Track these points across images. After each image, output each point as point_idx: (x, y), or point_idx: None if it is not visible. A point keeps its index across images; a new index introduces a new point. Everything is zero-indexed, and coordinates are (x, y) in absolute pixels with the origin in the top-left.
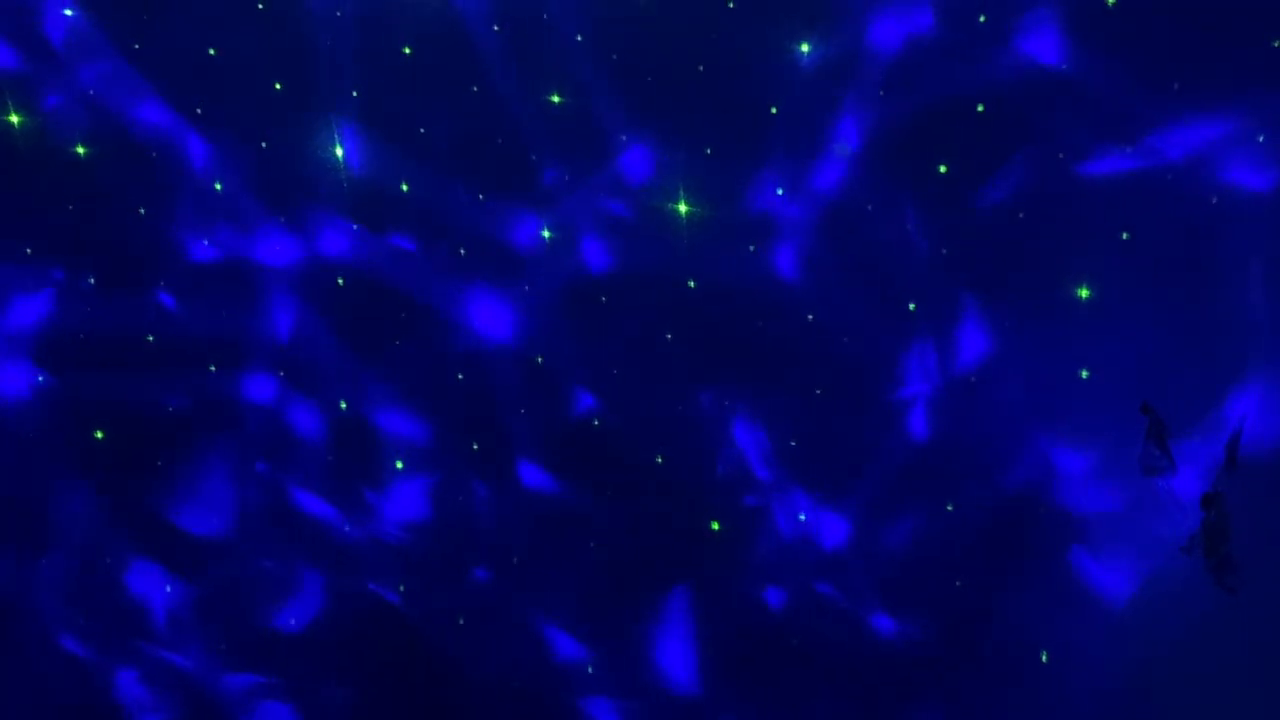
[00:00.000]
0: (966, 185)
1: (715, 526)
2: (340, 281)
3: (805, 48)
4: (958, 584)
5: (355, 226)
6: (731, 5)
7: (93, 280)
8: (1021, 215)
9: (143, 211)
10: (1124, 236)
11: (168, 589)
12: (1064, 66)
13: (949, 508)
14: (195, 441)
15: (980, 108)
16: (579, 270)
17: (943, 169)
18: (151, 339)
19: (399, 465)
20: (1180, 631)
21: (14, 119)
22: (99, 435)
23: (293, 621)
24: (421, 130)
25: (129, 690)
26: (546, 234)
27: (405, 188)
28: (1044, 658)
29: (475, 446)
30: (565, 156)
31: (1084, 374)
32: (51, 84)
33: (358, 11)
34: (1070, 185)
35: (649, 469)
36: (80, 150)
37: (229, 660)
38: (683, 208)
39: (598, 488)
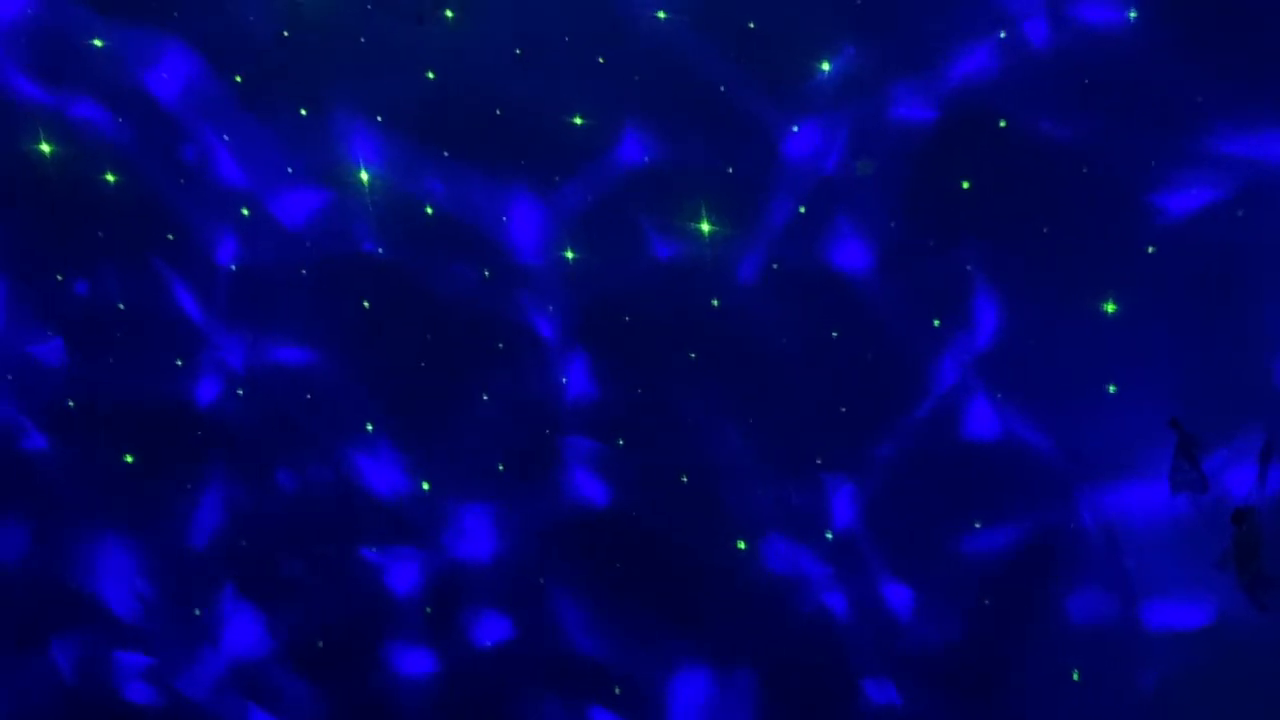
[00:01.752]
0: (989, 201)
1: (741, 545)
2: (365, 305)
3: (826, 66)
4: (986, 602)
5: (380, 250)
6: (752, 26)
7: (122, 306)
8: (1046, 230)
9: (171, 238)
10: (1150, 250)
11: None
12: (1087, 80)
13: (976, 525)
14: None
15: (1003, 123)
16: (603, 289)
17: (965, 185)
18: (180, 363)
19: (425, 487)
20: (1215, 649)
21: (45, 148)
22: (129, 459)
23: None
24: (445, 154)
25: None
26: (569, 254)
27: (429, 210)
28: (1075, 676)
29: (501, 467)
30: (588, 176)
31: (1111, 388)
32: (81, 113)
33: (381, 38)
34: (1094, 199)
35: (674, 487)
36: (110, 178)
37: None
38: (705, 226)
39: (621, 507)
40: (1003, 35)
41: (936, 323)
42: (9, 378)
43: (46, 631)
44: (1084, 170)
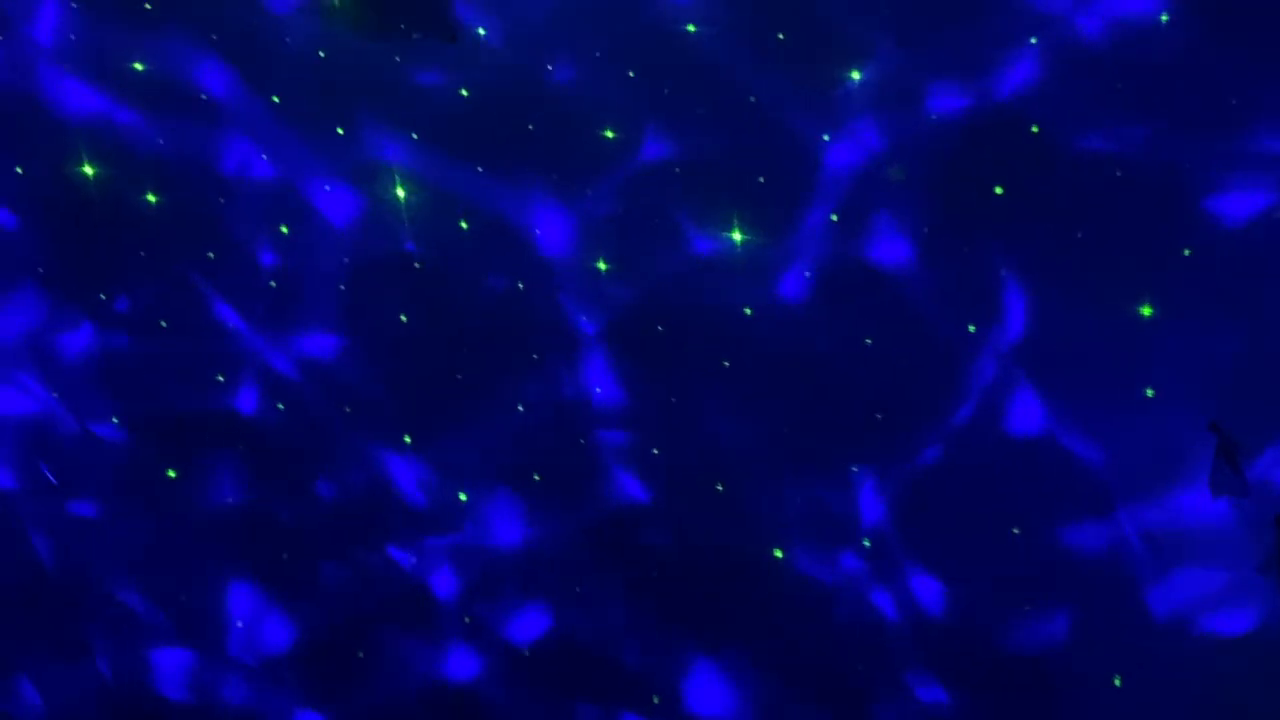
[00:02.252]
0: (1023, 206)
1: (778, 554)
2: (403, 319)
3: (856, 74)
4: (1026, 608)
5: (416, 264)
6: (782, 37)
7: (164, 324)
8: (1080, 235)
9: (211, 255)
10: (1186, 253)
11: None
12: (1120, 85)
13: (1015, 531)
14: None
15: (1035, 129)
16: (635, 299)
17: (999, 190)
18: (222, 378)
19: (463, 497)
20: (1258, 655)
21: (88, 170)
22: (172, 474)
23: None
24: (479, 169)
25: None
26: (602, 265)
27: (464, 225)
28: (1117, 682)
29: (536, 476)
30: (620, 189)
31: (1149, 392)
32: (122, 135)
33: (415, 56)
34: (1129, 202)
35: (709, 497)
36: (151, 198)
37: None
38: (737, 235)
39: (656, 515)
40: (1034, 40)
41: (972, 328)
42: (54, 395)
43: (88, 637)
44: (1118, 174)
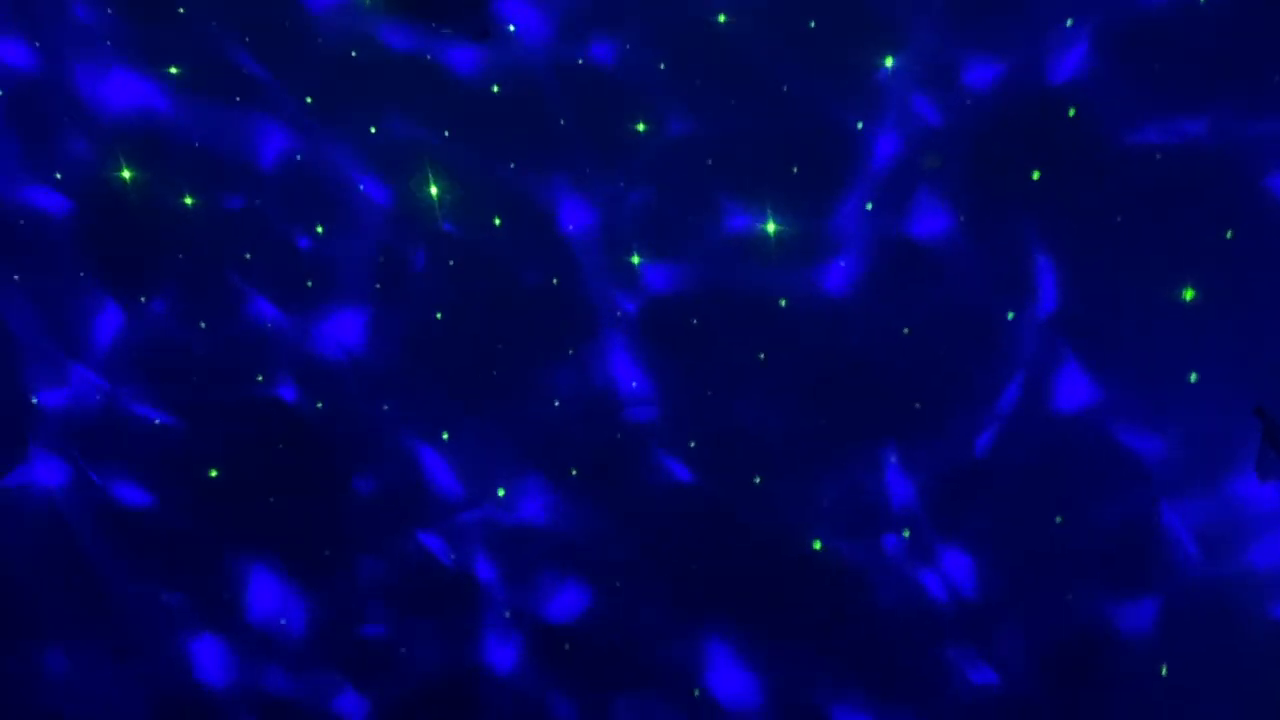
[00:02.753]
0: (1061, 191)
1: (817, 546)
2: (439, 316)
3: (889, 61)
4: (1069, 597)
5: (451, 262)
6: (814, 25)
7: (203, 325)
8: (1120, 219)
9: (248, 256)
10: (1228, 235)
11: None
12: (1158, 66)
13: (1057, 520)
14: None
15: (1072, 112)
16: (670, 293)
17: (1036, 175)
18: (261, 378)
19: (501, 493)
20: None
21: (126, 174)
22: (213, 474)
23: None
24: (512, 165)
25: None
26: (635, 259)
27: (498, 222)
28: (1163, 671)
29: (574, 471)
30: (653, 182)
31: (1193, 377)
32: (158, 139)
33: (446, 55)
34: (1168, 185)
35: (748, 489)
36: (188, 201)
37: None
38: (770, 226)
39: (694, 509)
40: (1070, 23)
41: (1011, 315)
42: (97, 398)
43: (140, 636)
44: (1157, 157)
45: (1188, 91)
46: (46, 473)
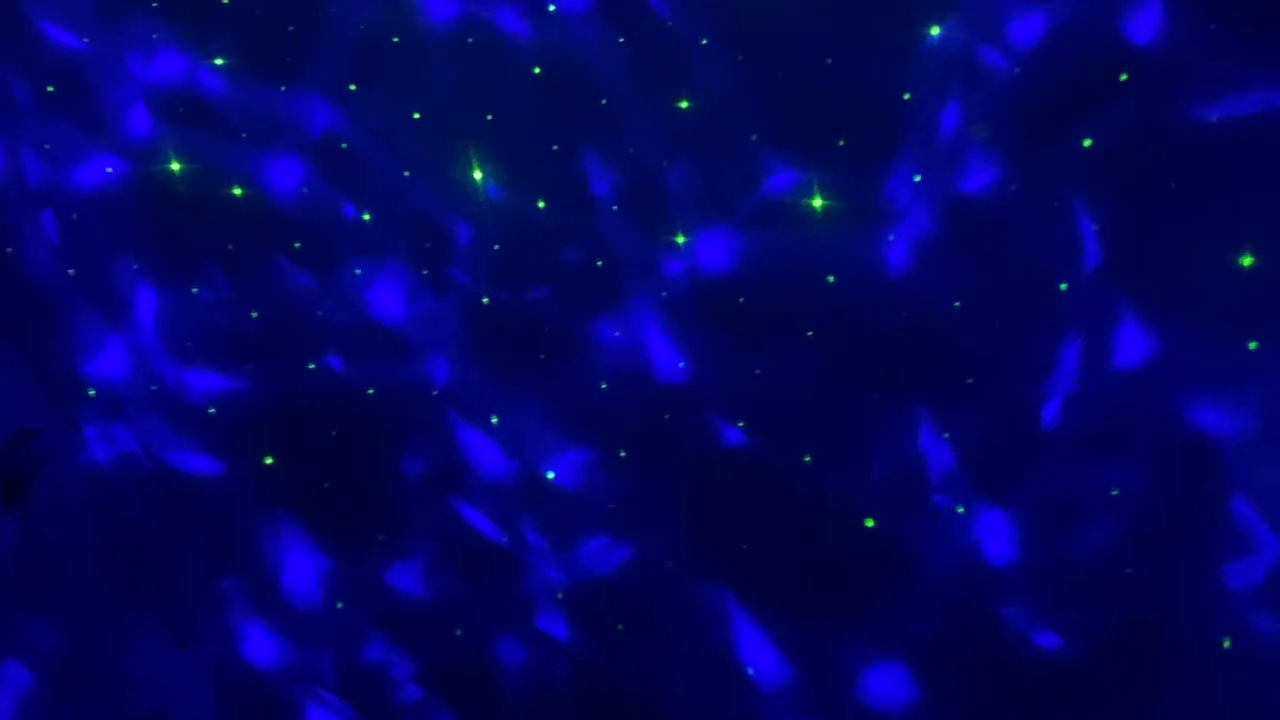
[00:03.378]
0: (1113, 157)
1: (869, 523)
2: (485, 300)
3: (935, 30)
4: (1128, 570)
5: (496, 245)
6: None
7: (255, 315)
8: (1174, 185)
9: (298, 245)
10: None
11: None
12: (1213, 27)
13: (1113, 493)
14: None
15: (1124, 76)
16: (716, 273)
17: (1087, 143)
18: (313, 366)
19: (550, 475)
20: None
21: (175, 166)
22: (268, 461)
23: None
24: (555, 147)
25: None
26: (680, 239)
27: (542, 204)
28: (1226, 644)
29: (622, 453)
30: (696, 160)
31: (1252, 345)
32: (206, 131)
33: (486, 38)
34: (1225, 149)
35: (796, 469)
36: (237, 192)
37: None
38: (818, 201)
39: (746, 490)
40: None
41: (1064, 286)
42: (153, 388)
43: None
44: (1213, 119)
45: (1245, 51)
46: (99, 449)
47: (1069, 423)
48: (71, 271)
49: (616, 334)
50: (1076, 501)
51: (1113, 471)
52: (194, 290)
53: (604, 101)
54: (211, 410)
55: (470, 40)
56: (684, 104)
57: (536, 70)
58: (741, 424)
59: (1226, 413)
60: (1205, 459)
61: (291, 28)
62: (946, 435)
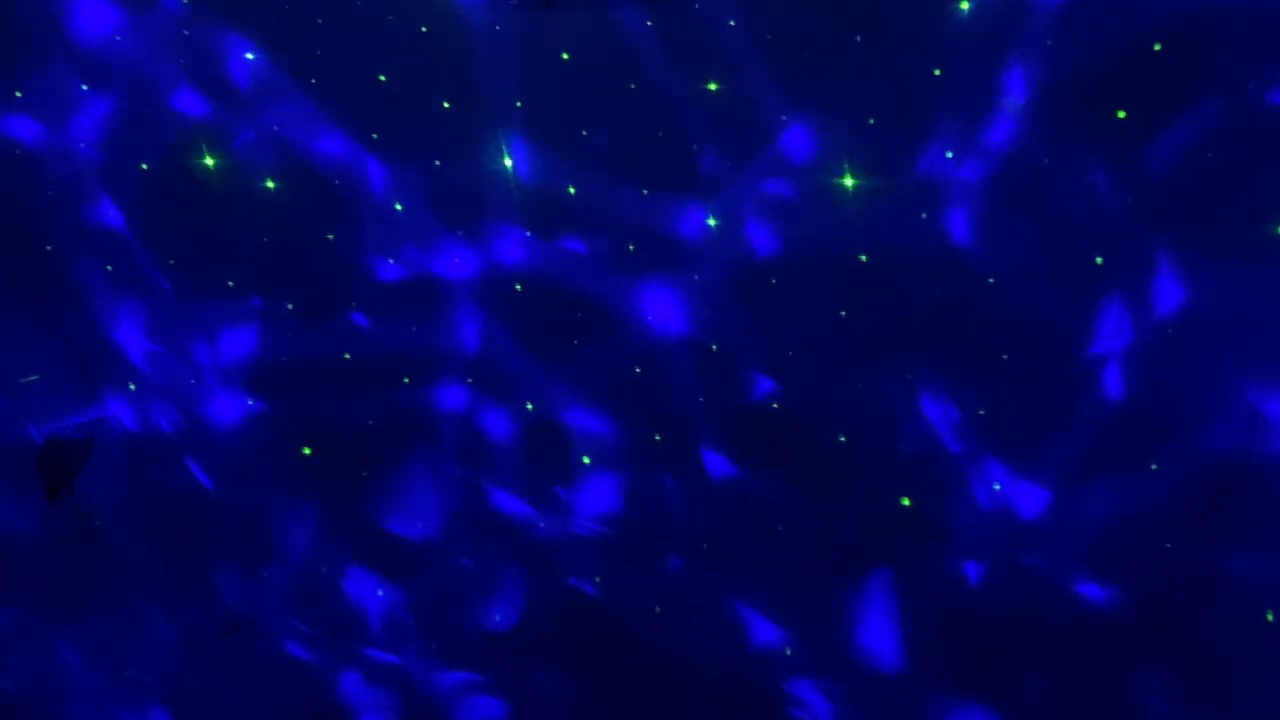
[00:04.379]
0: (1148, 129)
1: (906, 502)
2: (518, 287)
3: (965, 4)
4: (1167, 545)
5: (528, 233)
6: None
7: (290, 306)
8: (1210, 155)
9: (330, 237)
10: None
11: (380, 594)
12: None
13: (1153, 467)
14: (396, 452)
15: (1157, 46)
16: (747, 253)
17: (1121, 114)
18: (348, 356)
19: (586, 460)
20: None
21: (209, 161)
22: (307, 452)
23: (498, 618)
24: (584, 132)
25: (352, 692)
26: (712, 222)
27: (572, 190)
28: (1270, 617)
29: (658, 437)
30: (726, 142)
31: None
32: (239, 125)
33: (516, 23)
34: (1261, 118)
35: (832, 449)
36: (270, 185)
37: (441, 658)
38: (849, 181)
39: (781, 470)
40: None
41: (1099, 260)
42: (192, 382)
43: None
44: (1250, 86)
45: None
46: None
47: (1100, 401)
48: None
49: (649, 317)
50: (1116, 473)
51: (1152, 446)
52: (230, 284)
53: (632, 85)
54: (249, 403)
55: (497, 28)
56: (713, 86)
57: (565, 56)
58: (775, 405)
59: (1268, 383)
60: (1248, 430)
61: (320, 21)
62: (982, 411)
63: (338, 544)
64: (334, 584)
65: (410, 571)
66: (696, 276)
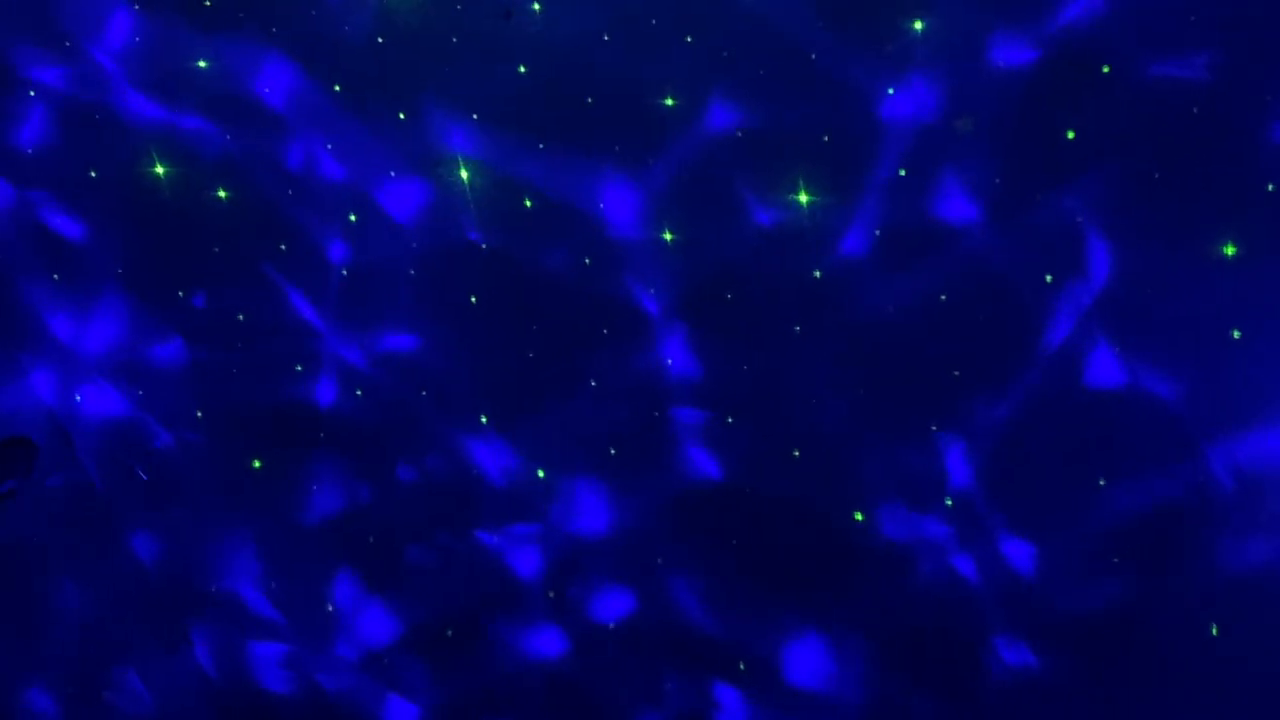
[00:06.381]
0: (1096, 148)
1: (859, 518)
2: (473, 300)
3: (919, 25)
4: (1115, 560)
5: (484, 244)
6: None
7: (241, 317)
8: (1157, 175)
9: (283, 247)
10: (1270, 188)
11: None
12: (1193, 17)
13: (1100, 482)
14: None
15: (1106, 69)
16: (703, 267)
17: (1070, 134)
18: (300, 368)
19: (540, 474)
20: None
21: (159, 169)
22: (257, 464)
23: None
24: (540, 145)
25: None
26: (668, 235)
27: (528, 202)
28: (1214, 631)
29: (613, 451)
30: (682, 157)
31: (1236, 334)
32: (191, 132)
33: (471, 37)
34: (1206, 139)
35: (786, 461)
36: (221, 194)
37: None
38: (803, 197)
39: (734, 483)
40: None
41: (1049, 278)
42: (139, 393)
43: (186, 627)
44: (1194, 110)
45: (1224, 39)
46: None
47: (1053, 413)
48: None
49: (604, 331)
50: (1063, 490)
51: (1098, 462)
52: (180, 294)
53: (589, 99)
54: (199, 414)
55: (454, 41)
56: (669, 101)
57: (521, 69)
58: (730, 419)
59: (1208, 402)
60: (1190, 447)
61: (275, 30)
62: (934, 426)
63: None
64: None
65: None
66: (652, 289)
